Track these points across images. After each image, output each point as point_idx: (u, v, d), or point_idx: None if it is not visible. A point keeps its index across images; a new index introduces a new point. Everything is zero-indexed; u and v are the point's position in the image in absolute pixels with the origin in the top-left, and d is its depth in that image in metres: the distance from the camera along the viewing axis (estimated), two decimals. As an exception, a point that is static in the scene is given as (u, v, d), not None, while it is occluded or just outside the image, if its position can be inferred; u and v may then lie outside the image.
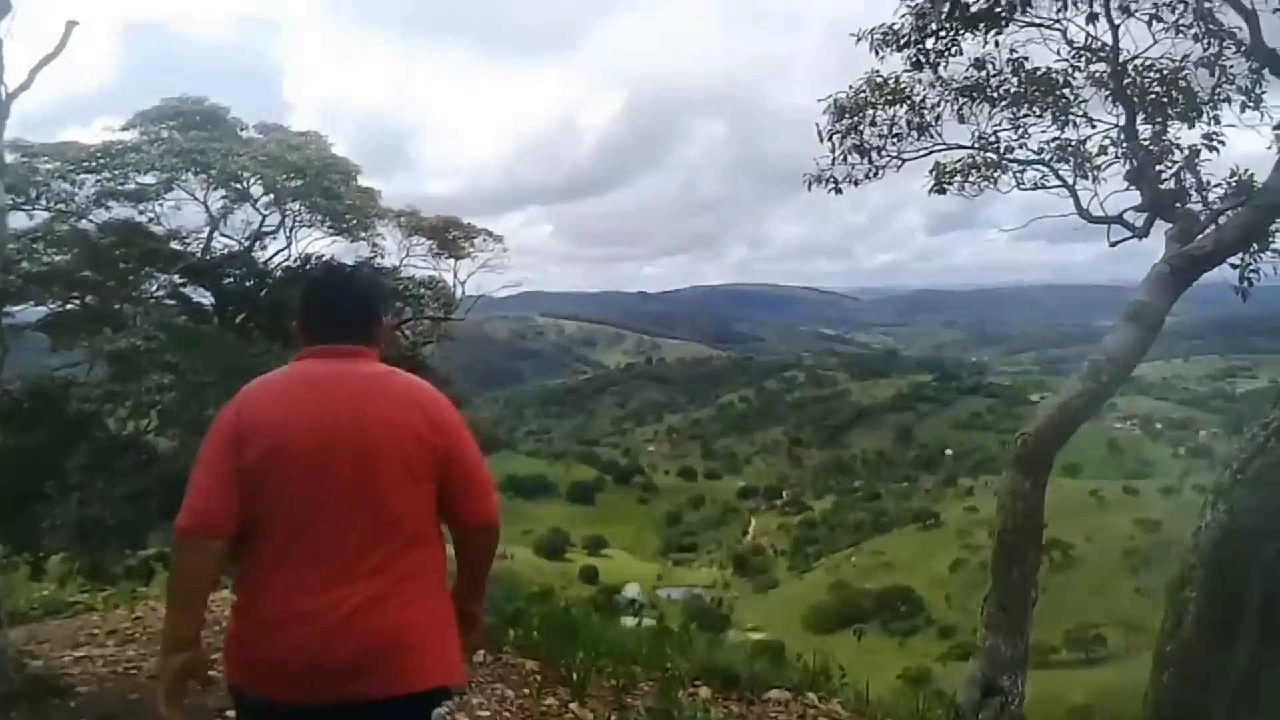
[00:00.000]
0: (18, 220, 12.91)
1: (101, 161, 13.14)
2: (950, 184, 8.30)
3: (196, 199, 14.59)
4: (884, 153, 8.14)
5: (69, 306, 13.24)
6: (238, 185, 14.34)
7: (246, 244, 15.19)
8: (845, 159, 8.22)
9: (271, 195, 14.76)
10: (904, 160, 8.22)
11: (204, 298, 14.62)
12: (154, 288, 14.48)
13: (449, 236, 18.58)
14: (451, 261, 18.76)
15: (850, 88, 8.10)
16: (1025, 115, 8.00)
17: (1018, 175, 8.32)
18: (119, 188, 13.23)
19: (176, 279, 14.25)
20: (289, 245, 15.69)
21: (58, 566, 13.61)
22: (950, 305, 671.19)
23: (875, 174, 8.25)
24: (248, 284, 14.89)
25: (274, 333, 15.47)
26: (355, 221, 15.58)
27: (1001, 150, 8.12)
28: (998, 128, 8.17)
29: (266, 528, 2.68)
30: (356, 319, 2.96)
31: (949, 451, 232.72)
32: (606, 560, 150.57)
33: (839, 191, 8.47)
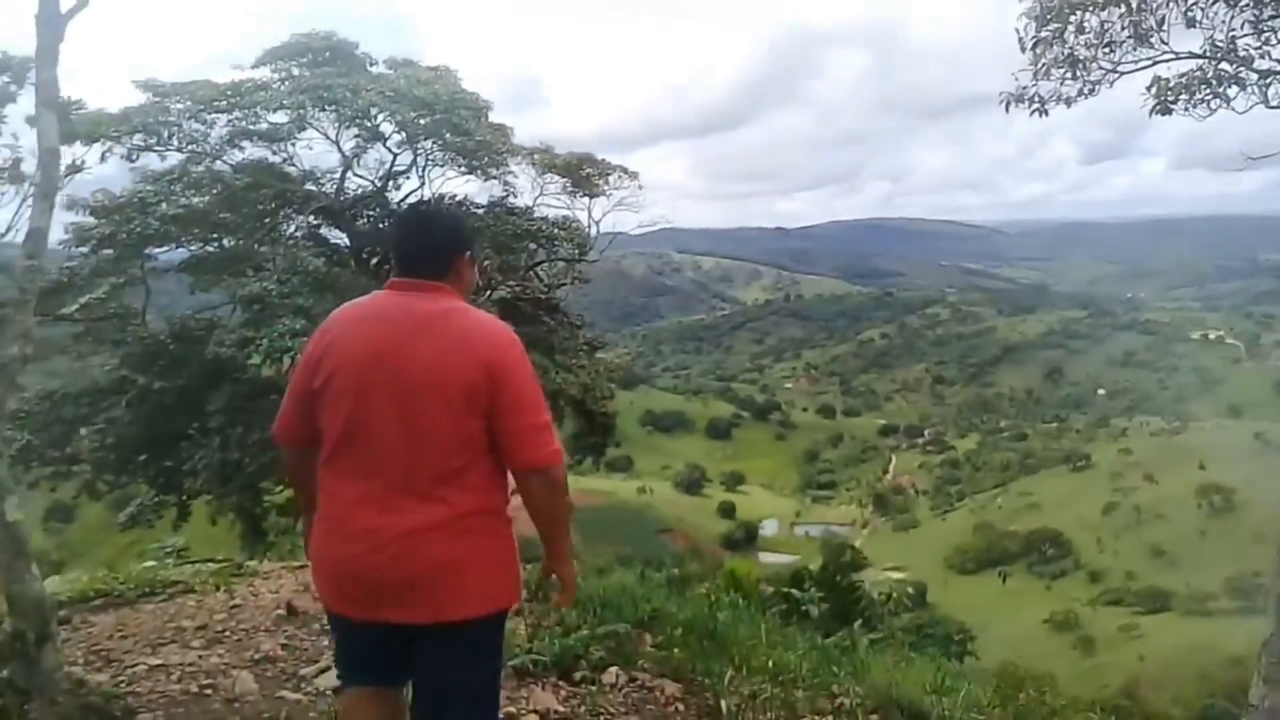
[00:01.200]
0: (151, 161, 12.87)
1: (232, 100, 12.95)
2: (1174, 102, 6.94)
3: (329, 139, 14.32)
4: (1097, 64, 6.91)
5: (208, 248, 13.21)
6: (368, 123, 13.95)
7: (380, 184, 14.90)
8: (1049, 73, 7.04)
9: (403, 134, 14.35)
10: (1120, 73, 6.98)
11: (340, 239, 14.46)
12: (291, 229, 14.35)
13: (583, 174, 17.92)
14: (586, 200, 18.24)
15: None
16: (1274, 17, 6.61)
17: (1260, 88, 6.89)
18: (251, 127, 13.04)
19: (312, 220, 14.07)
20: (422, 185, 15.42)
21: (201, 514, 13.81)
22: (1102, 238, 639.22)
23: (1090, 90, 7.02)
24: (381, 225, 14.67)
25: (406, 275, 15.26)
26: (487, 159, 15.05)
27: (1239, 59, 6.74)
28: (1236, 33, 6.80)
29: (329, 442, 2.90)
30: (431, 256, 2.99)
31: (1102, 391, 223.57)
32: (744, 496, 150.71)
33: (1044, 113, 7.25)
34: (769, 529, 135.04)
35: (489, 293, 16.38)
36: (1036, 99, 7.16)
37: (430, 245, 3.02)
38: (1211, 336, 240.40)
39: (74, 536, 66.57)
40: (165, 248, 13.60)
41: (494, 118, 15.54)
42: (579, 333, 17.15)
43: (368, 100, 13.09)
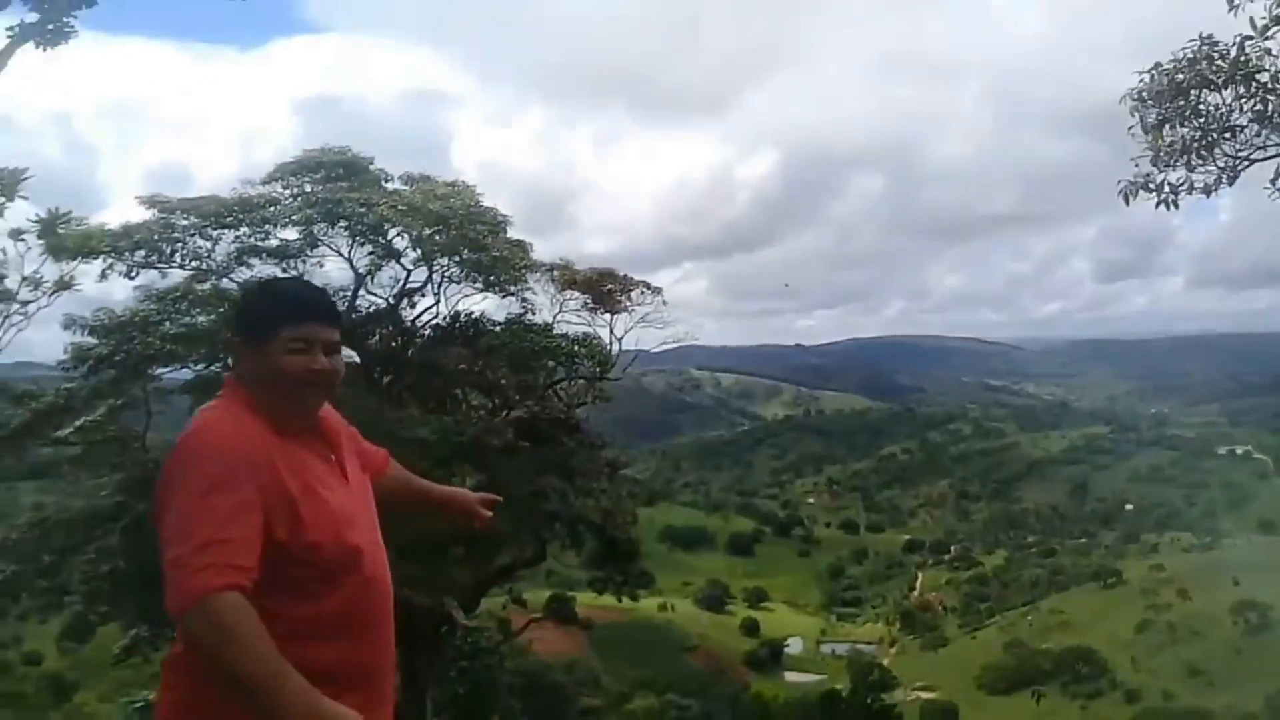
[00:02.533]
0: (154, 279, 12.80)
1: (239, 216, 12.90)
2: None
3: (341, 255, 14.26)
4: (1215, 151, 6.39)
5: (213, 368, 13.02)
6: (381, 239, 13.93)
7: (393, 301, 14.81)
8: (1166, 159, 6.47)
9: (418, 250, 14.31)
10: (1251, 160, 6.43)
11: (350, 357, 14.29)
12: (302, 349, 14.25)
13: (604, 290, 17.58)
14: (607, 317, 17.87)
15: (1174, 57, 6.21)
16: None
17: None
18: (260, 244, 13.00)
19: (321, 339, 14.00)
20: (438, 302, 15.29)
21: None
22: (1122, 354, 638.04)
23: (1227, 180, 6.46)
24: (394, 344, 14.53)
25: (423, 394, 15.02)
26: (505, 276, 14.92)
27: None
28: None
29: None
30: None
31: (1129, 506, 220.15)
32: (767, 613, 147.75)
33: (1174, 205, 6.56)
34: (794, 647, 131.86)
35: (506, 413, 16.13)
36: (1166, 187, 6.61)
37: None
38: (1239, 451, 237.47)
39: (90, 656, 65.44)
40: (169, 368, 13.39)
41: (517, 237, 15.56)
42: (599, 454, 16.68)
43: (380, 215, 13.03)
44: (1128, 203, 6.56)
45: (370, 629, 2.55)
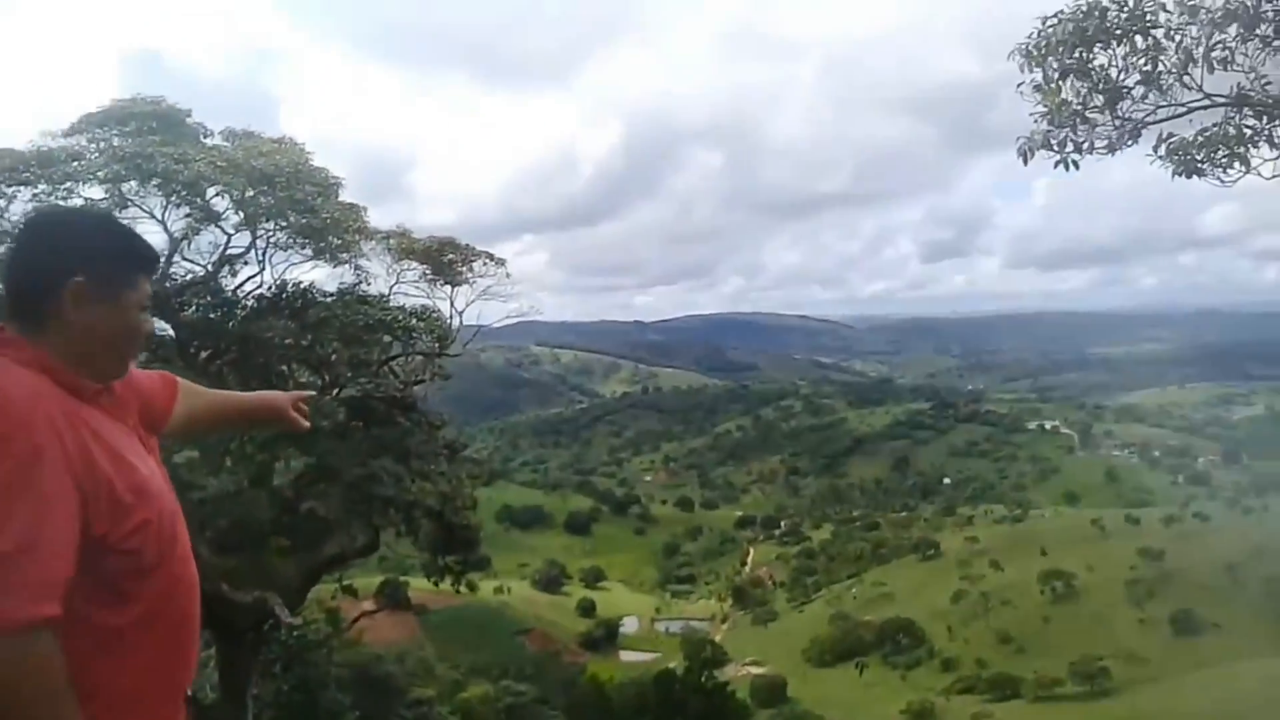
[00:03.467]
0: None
1: (37, 172, 11.18)
2: (1201, 160, 5.70)
3: (154, 217, 12.69)
4: (1115, 108, 5.89)
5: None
6: (199, 200, 12.44)
7: (212, 269, 13.32)
8: (1062, 117, 5.92)
9: (241, 214, 12.91)
10: (1146, 123, 5.94)
11: (164, 330, 12.84)
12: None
13: (445, 260, 16.39)
14: (448, 289, 16.64)
15: (1059, 15, 5.78)
16: None
17: None
18: (61, 202, 11.28)
19: (133, 309, 12.49)
20: (261, 271, 13.85)
21: None
22: (944, 331, 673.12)
23: (1129, 139, 5.91)
24: (213, 315, 13.13)
25: (246, 371, 13.72)
26: (336, 242, 13.60)
27: (1270, 108, 5.63)
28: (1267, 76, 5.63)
29: None
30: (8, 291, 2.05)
31: (947, 480, 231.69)
32: (604, 593, 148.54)
33: (1073, 166, 6.10)
34: (629, 626, 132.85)
35: (336, 391, 14.91)
36: (1069, 144, 6.07)
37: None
38: (1047, 426, 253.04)
39: None
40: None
41: (352, 203, 14.29)
42: (438, 434, 15.52)
43: (196, 171, 11.52)
44: (1026, 161, 6.07)
45: (181, 635, 2.16)
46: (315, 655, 25.71)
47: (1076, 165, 6.09)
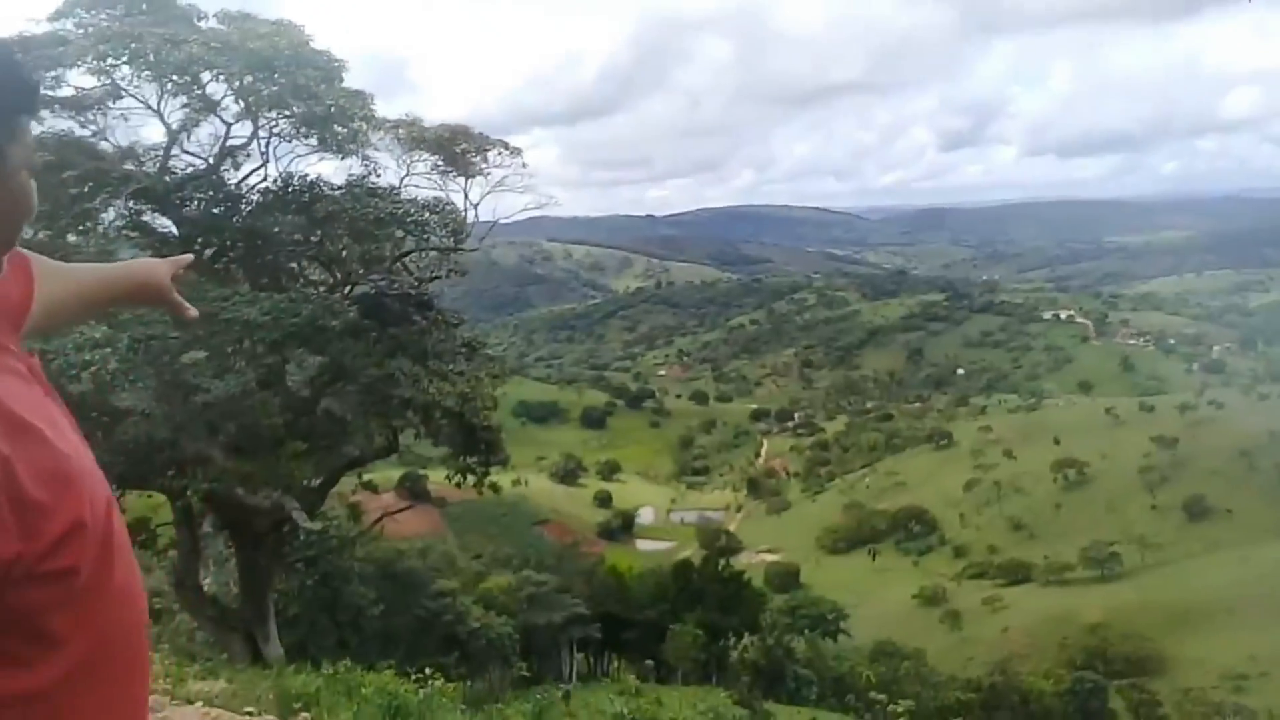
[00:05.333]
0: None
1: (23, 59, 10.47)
2: None
3: (150, 108, 11.94)
4: None
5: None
6: (197, 90, 11.68)
7: (213, 162, 12.63)
8: None
9: (241, 103, 12.16)
10: None
11: (166, 227, 12.26)
12: (109, 216, 12.08)
13: (457, 150, 15.27)
14: (461, 181, 15.52)
15: None
16: None
17: None
18: (51, 93, 10.53)
19: (133, 205, 11.87)
20: (265, 163, 13.13)
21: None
22: (959, 222, 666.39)
23: None
24: (216, 210, 12.51)
25: (253, 269, 13.19)
26: (343, 132, 12.79)
27: None
28: None
29: None
30: None
31: (961, 370, 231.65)
32: (620, 485, 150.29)
33: None
34: (646, 517, 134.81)
35: (349, 289, 14.38)
36: None
37: None
38: (1062, 316, 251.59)
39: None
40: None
41: (374, 106, 13.47)
42: (455, 332, 14.81)
43: (189, 54, 10.69)
44: None
45: (133, 686, 1.29)
46: (338, 551, 25.86)
47: None
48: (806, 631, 65.37)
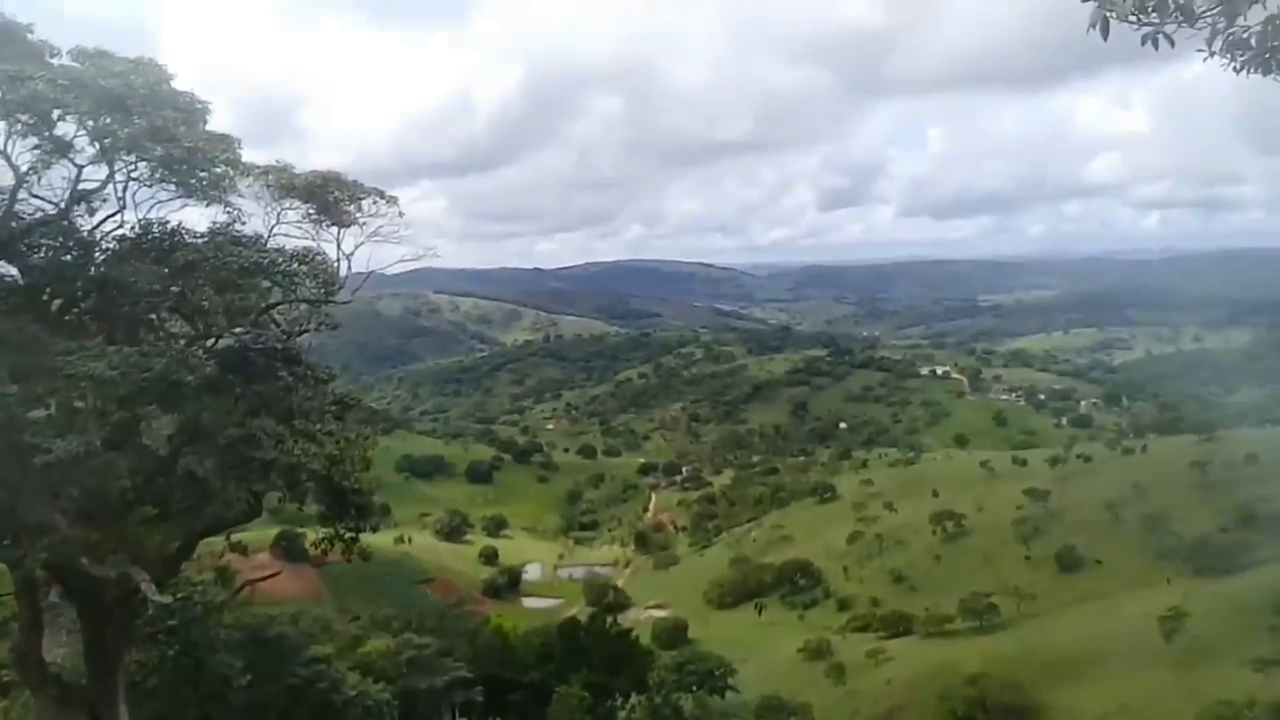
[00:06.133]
0: None
1: None
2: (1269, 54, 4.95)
3: None
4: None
5: None
6: (46, 130, 10.89)
7: (63, 206, 11.76)
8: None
9: (96, 145, 11.39)
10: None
11: (10, 274, 11.37)
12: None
13: (330, 198, 14.69)
14: (335, 230, 14.94)
15: None
16: None
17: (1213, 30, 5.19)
18: None
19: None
20: (122, 209, 12.28)
21: None
22: (841, 279, 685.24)
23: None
24: (66, 258, 11.67)
25: (108, 321, 12.34)
26: (205, 177, 12.07)
27: None
28: None
29: None
30: None
31: (843, 425, 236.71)
32: (507, 541, 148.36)
33: (1162, 41, 5.36)
34: (532, 573, 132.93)
35: (213, 341, 13.56)
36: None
37: None
38: (939, 372, 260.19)
39: None
40: None
41: (241, 151, 12.74)
42: (326, 388, 14.24)
43: (32, 91, 9.95)
44: (1104, 37, 5.27)
45: None
46: (202, 620, 24.43)
47: (1170, 41, 5.34)
48: (694, 689, 65.02)
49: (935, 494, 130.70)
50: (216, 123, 13.07)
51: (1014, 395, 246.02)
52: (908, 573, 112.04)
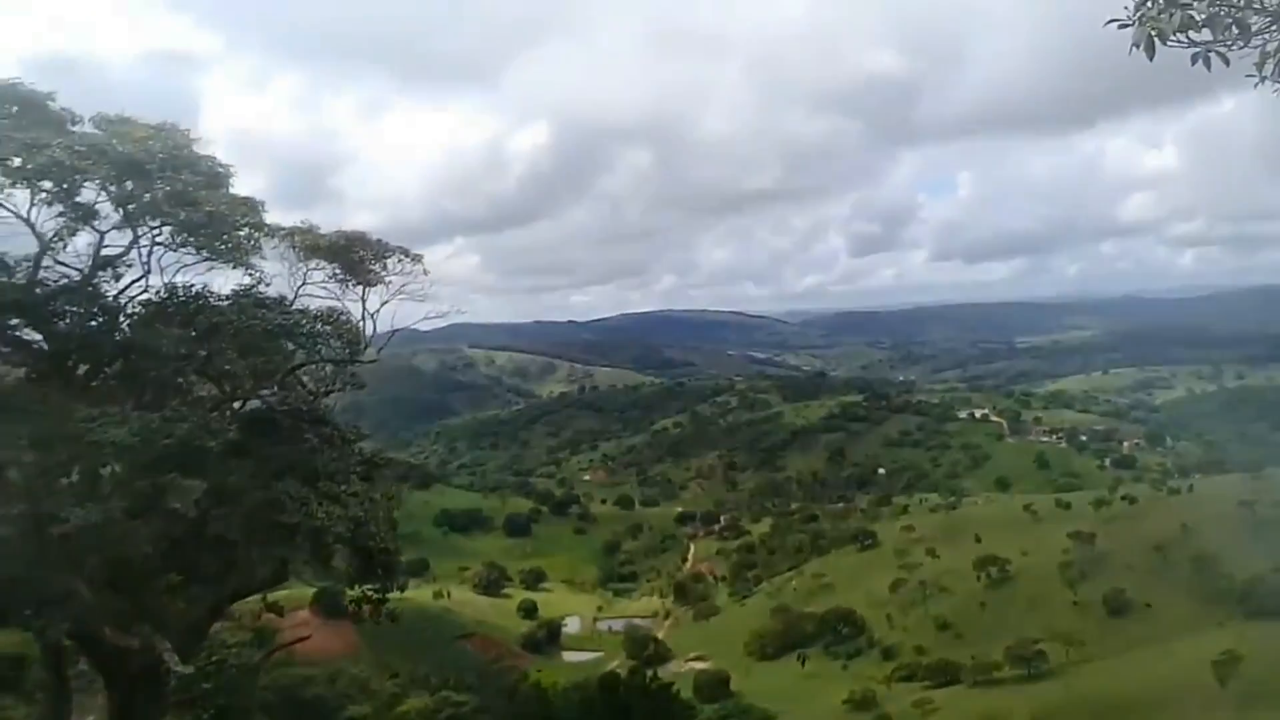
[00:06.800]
0: None
1: None
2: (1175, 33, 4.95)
3: (20, 216, 11.21)
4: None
5: None
6: (68, 196, 10.98)
7: (87, 272, 11.82)
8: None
9: (121, 212, 11.47)
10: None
11: (36, 340, 11.41)
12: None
13: (354, 258, 14.75)
14: (360, 290, 14.97)
15: None
16: None
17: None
18: None
19: (0, 319, 11.01)
20: (147, 274, 12.35)
21: None
22: (874, 324, 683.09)
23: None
24: (92, 324, 11.70)
25: (134, 386, 12.32)
26: (229, 241, 12.11)
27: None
28: None
29: None
30: None
31: (882, 470, 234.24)
32: (545, 594, 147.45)
33: (1216, 58, 5.15)
34: (572, 626, 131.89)
35: (241, 404, 13.51)
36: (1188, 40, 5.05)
37: None
38: (977, 415, 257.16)
39: None
40: None
41: (275, 213, 12.83)
42: (351, 449, 14.21)
43: (51, 159, 10.05)
44: (1150, 56, 5.04)
45: None
46: (235, 683, 24.26)
47: (1225, 60, 5.13)
48: (737, 743, 63.89)
49: (978, 539, 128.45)
50: (250, 187, 13.20)
51: (1055, 437, 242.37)
52: (952, 620, 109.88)
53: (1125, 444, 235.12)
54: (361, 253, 14.33)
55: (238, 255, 12.51)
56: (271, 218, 13.86)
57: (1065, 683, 79.30)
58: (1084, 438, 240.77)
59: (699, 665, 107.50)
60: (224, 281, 13.24)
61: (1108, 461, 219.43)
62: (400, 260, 14.63)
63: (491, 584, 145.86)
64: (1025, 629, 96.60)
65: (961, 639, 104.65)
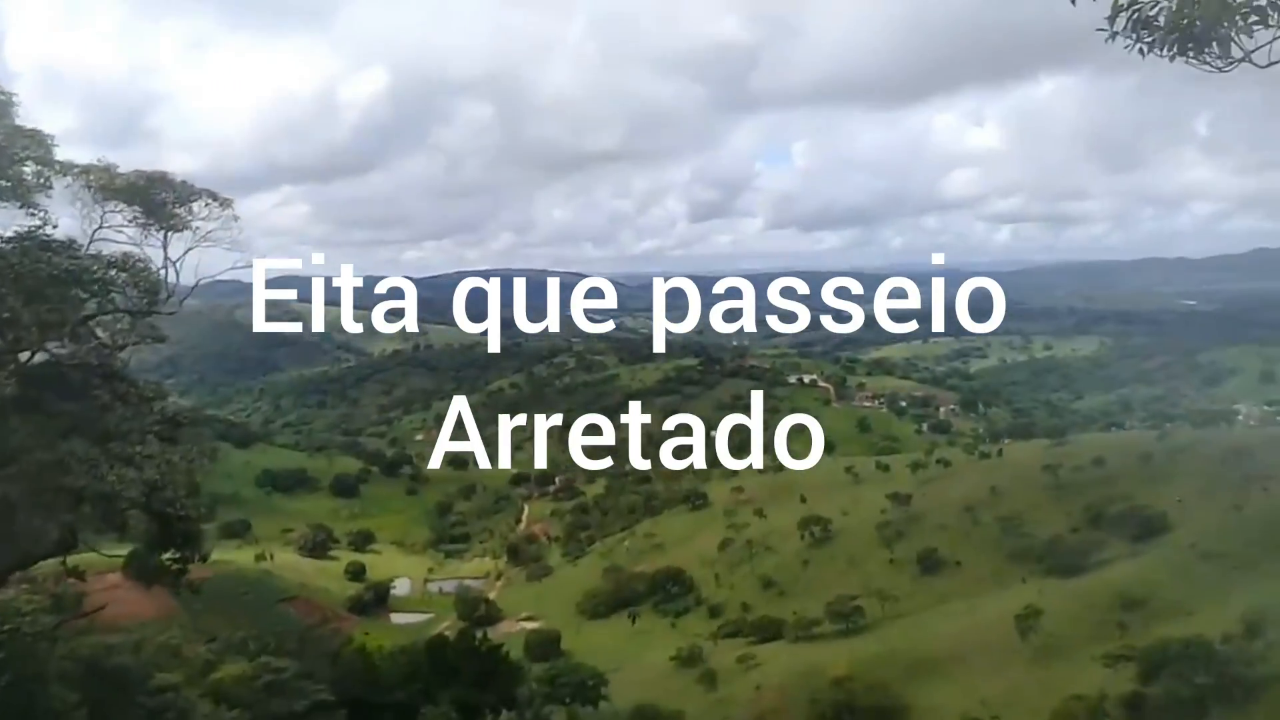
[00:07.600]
0: None
1: None
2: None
3: None
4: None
5: None
6: None
7: None
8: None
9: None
10: None
11: None
12: None
13: (157, 200, 13.46)
14: (162, 235, 13.70)
15: None
16: None
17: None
18: None
19: None
20: None
21: None
22: (709, 291, 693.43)
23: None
24: None
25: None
26: (12, 177, 10.86)
27: None
28: None
29: None
30: None
31: (713, 433, 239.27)
32: (374, 556, 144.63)
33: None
34: (401, 589, 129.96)
35: (30, 356, 12.24)
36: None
37: None
38: (806, 380, 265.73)
39: None
40: None
41: (85, 151, 11.45)
42: (148, 407, 12.88)
43: None
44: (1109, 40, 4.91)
45: None
46: (33, 649, 22.54)
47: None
48: (566, 701, 64.37)
49: (803, 499, 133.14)
50: (59, 125, 11.89)
51: (877, 402, 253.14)
52: (777, 578, 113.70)
53: (941, 410, 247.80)
54: (164, 195, 13.06)
55: (21, 192, 11.28)
56: (81, 156, 12.59)
57: (881, 636, 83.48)
58: (904, 403, 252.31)
59: (530, 625, 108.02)
60: (7, 221, 11.95)
61: (925, 426, 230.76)
62: (208, 205, 13.44)
63: (317, 546, 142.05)
64: (844, 586, 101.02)
65: (785, 596, 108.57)
